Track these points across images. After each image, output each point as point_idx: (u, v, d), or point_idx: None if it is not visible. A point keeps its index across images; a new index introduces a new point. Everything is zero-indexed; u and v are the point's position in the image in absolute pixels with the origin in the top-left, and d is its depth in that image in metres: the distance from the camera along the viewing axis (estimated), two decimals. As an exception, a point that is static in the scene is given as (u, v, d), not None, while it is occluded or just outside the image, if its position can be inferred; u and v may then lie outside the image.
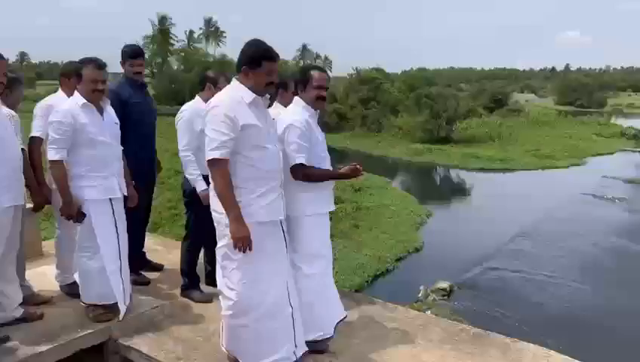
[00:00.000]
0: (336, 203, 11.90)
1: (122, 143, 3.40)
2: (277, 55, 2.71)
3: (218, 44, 74.33)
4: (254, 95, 2.65)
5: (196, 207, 3.53)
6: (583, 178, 18.12)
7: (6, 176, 2.95)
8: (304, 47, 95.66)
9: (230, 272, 2.67)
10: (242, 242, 2.54)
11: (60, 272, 3.66)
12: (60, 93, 3.64)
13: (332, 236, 10.95)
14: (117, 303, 3.24)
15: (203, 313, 3.48)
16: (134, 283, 3.65)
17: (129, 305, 3.34)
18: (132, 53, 3.84)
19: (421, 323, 3.40)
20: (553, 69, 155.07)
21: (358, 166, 2.93)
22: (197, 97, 3.67)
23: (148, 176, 3.98)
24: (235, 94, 2.64)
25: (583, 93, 62.69)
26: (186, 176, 3.57)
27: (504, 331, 6.45)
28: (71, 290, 3.55)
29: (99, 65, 3.19)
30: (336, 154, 23.88)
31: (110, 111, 3.36)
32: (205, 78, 3.70)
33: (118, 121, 3.40)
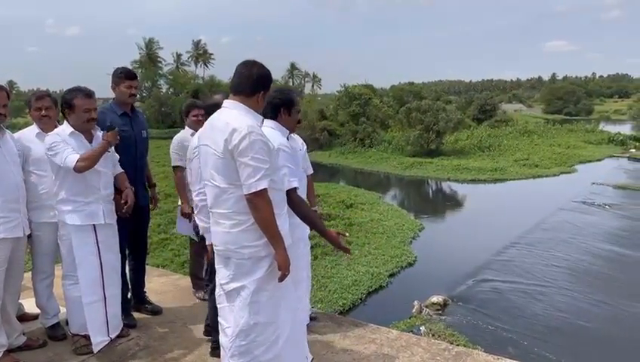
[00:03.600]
0: (327, 220, 11.72)
1: None
2: None
3: (207, 66, 74.76)
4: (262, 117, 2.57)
5: None
6: (573, 185, 18.21)
7: (0, 208, 2.94)
8: (292, 65, 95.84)
9: (264, 305, 2.43)
10: (287, 270, 2.39)
11: (41, 314, 3.53)
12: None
13: (324, 253, 10.75)
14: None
15: (179, 344, 3.41)
16: None
17: (114, 337, 3.25)
18: (129, 75, 3.64)
19: (403, 343, 3.35)
20: (540, 78, 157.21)
21: (345, 234, 2.99)
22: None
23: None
24: (254, 117, 2.46)
25: (570, 101, 63.65)
26: (198, 223, 3.18)
27: (501, 344, 6.44)
28: (52, 333, 3.44)
29: (87, 94, 3.18)
30: (326, 170, 23.91)
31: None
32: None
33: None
